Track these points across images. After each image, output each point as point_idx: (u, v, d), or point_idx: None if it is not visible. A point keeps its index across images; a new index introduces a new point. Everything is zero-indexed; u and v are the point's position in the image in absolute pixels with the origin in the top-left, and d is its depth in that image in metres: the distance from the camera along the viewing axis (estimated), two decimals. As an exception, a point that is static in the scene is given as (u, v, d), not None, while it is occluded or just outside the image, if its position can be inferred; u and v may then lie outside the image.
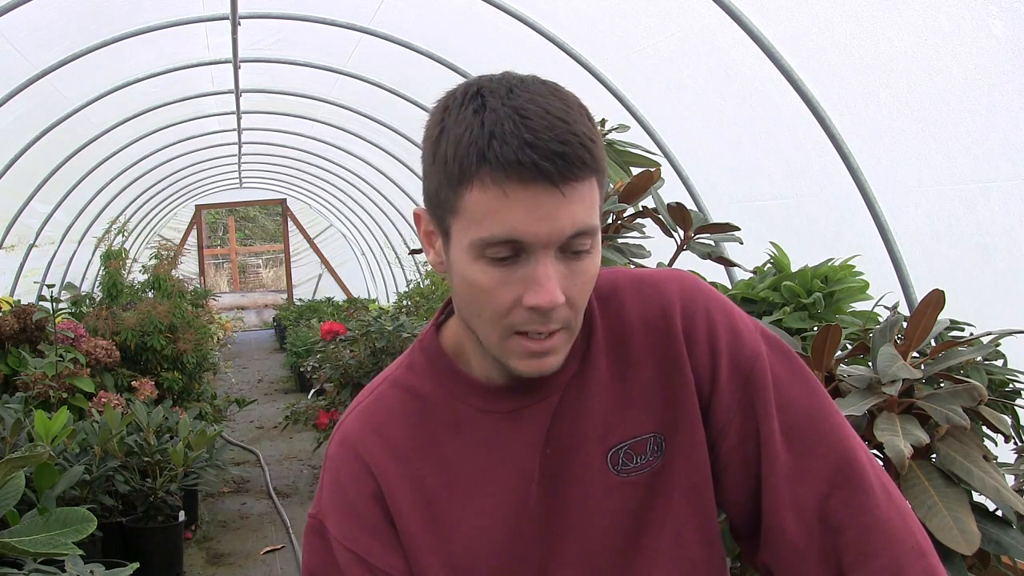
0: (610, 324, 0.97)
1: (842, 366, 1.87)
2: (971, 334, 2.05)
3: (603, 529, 0.95)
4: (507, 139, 0.79)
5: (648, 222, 1.91)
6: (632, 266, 1.92)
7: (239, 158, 11.45)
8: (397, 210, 10.72)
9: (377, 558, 0.95)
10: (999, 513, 1.71)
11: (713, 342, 0.95)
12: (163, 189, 11.74)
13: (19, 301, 5.98)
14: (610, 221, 1.87)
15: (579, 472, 0.95)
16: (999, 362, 2.03)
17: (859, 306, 2.68)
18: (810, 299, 2.59)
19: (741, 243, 2.15)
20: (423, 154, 0.87)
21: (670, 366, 0.95)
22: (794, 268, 2.76)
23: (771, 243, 2.89)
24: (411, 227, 10.47)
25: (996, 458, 1.74)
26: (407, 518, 0.95)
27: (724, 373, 0.95)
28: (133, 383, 5.18)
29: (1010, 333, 1.97)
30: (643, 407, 0.95)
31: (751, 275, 2.81)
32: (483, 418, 0.96)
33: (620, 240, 1.86)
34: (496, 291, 0.83)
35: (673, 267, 1.91)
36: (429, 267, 7.73)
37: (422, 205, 0.93)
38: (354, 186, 11.52)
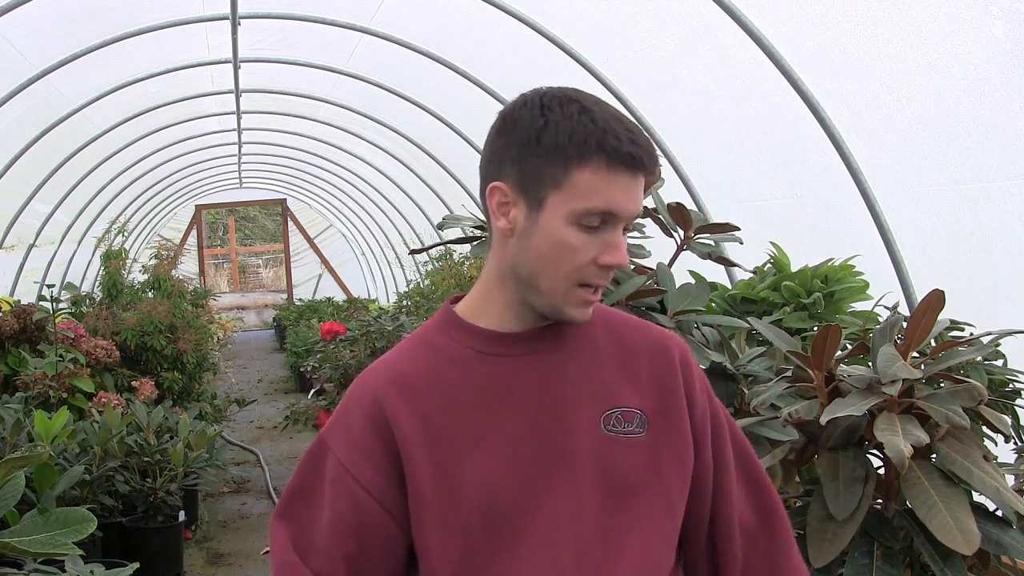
0: (611, 331, 1.18)
1: (842, 366, 1.87)
2: (971, 334, 2.05)
3: (591, 475, 1.10)
4: (620, 136, 1.04)
5: (648, 222, 1.91)
6: (632, 266, 1.92)
7: (239, 158, 11.45)
8: (397, 210, 10.72)
9: (364, 477, 1.10)
10: (999, 513, 1.71)
11: (703, 389, 1.19)
12: (163, 189, 11.74)
13: (19, 301, 5.98)
14: (610, 221, 1.87)
15: (573, 420, 1.12)
16: (999, 362, 2.03)
17: (859, 306, 2.68)
18: (810, 299, 2.59)
19: (741, 243, 2.15)
20: (517, 141, 1.07)
21: (666, 379, 1.16)
22: (794, 268, 2.76)
23: (771, 243, 2.89)
24: (411, 227, 10.47)
25: (996, 458, 1.74)
26: (411, 445, 1.09)
27: (707, 408, 1.19)
28: (133, 383, 5.18)
29: (1010, 333, 1.97)
30: (635, 389, 1.15)
31: (751, 275, 2.81)
32: (490, 361, 1.13)
33: (620, 240, 1.86)
34: (580, 250, 1.06)
35: (673, 267, 1.91)
36: (429, 267, 7.73)
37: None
38: (354, 186, 11.52)
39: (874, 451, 1.78)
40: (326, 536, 1.10)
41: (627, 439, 1.12)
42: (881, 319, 2.40)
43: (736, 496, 1.19)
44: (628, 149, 1.04)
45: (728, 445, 1.20)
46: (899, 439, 1.58)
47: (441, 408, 1.10)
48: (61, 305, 5.10)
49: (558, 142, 1.04)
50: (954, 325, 2.10)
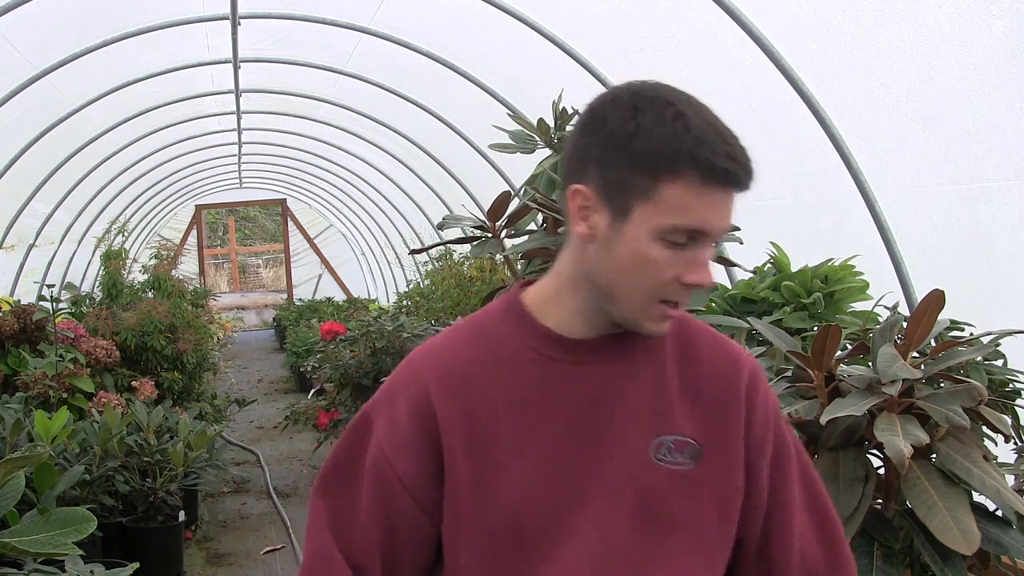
0: (681, 345, 1.12)
1: (842, 366, 1.87)
2: (971, 334, 2.04)
3: (628, 500, 1.06)
4: (715, 149, 0.96)
5: (648, 222, 1.91)
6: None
7: (239, 158, 11.44)
8: (397, 210, 10.72)
9: (401, 468, 1.07)
10: (999, 513, 1.71)
11: (769, 416, 1.13)
12: (163, 189, 11.74)
13: (19, 301, 5.98)
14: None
15: (621, 440, 1.06)
16: (999, 362, 2.03)
17: (859, 306, 2.67)
18: (810, 299, 2.59)
19: (741, 243, 2.15)
20: (604, 143, 1.00)
21: (727, 405, 1.10)
22: (794, 268, 2.76)
23: (771, 243, 2.89)
24: (411, 227, 10.47)
25: (996, 458, 1.74)
26: (453, 446, 1.06)
27: (768, 436, 1.12)
28: (133, 383, 5.18)
29: (1010, 333, 1.97)
30: (693, 415, 1.09)
31: (751, 275, 2.81)
32: (547, 365, 1.08)
33: (620, 240, 1.86)
34: (664, 266, 1.00)
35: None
36: (429, 267, 7.73)
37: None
38: (354, 186, 11.52)
39: (874, 451, 1.78)
40: (364, 523, 1.09)
41: (674, 470, 1.07)
42: (881, 319, 2.40)
43: (799, 531, 1.12)
44: (724, 164, 0.96)
45: (793, 477, 1.13)
46: (899, 439, 1.58)
47: (488, 408, 1.07)
48: (61, 305, 5.10)
49: (649, 151, 0.97)
50: (954, 325, 2.10)
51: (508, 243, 1.89)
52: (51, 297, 4.78)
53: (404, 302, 7.37)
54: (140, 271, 6.73)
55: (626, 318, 1.04)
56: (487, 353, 1.09)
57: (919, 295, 2.98)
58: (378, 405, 1.12)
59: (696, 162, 0.96)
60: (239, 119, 8.34)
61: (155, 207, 12.78)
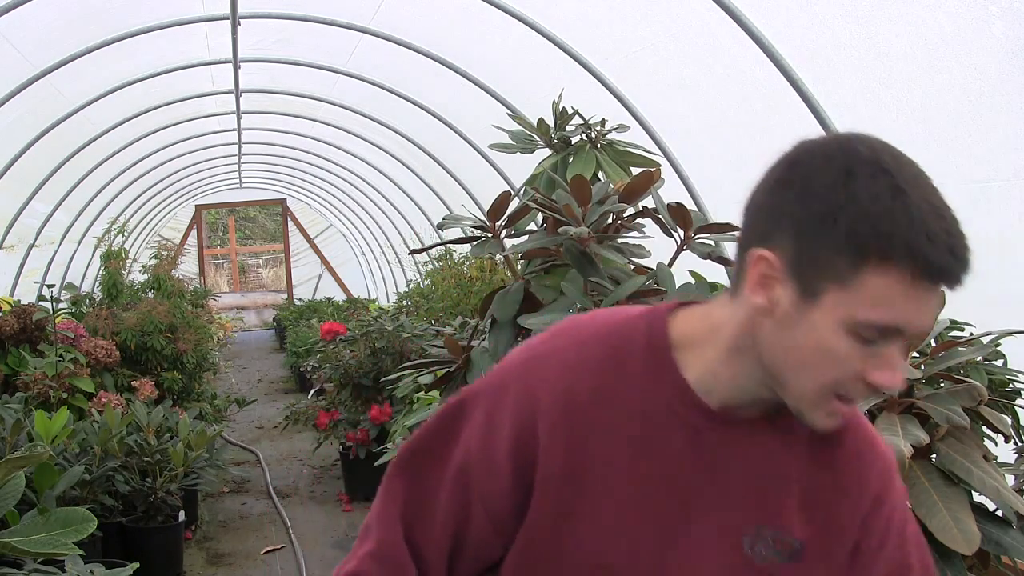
0: (824, 441, 1.00)
1: (842, 366, 1.86)
2: (971, 334, 2.04)
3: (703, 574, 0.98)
4: (937, 242, 0.82)
5: (648, 222, 1.91)
6: (632, 266, 1.92)
7: (239, 158, 11.44)
8: (397, 210, 10.71)
9: (485, 486, 1.00)
10: (999, 513, 1.71)
11: (886, 529, 1.02)
12: (163, 189, 11.73)
13: (19, 301, 5.97)
14: (610, 221, 1.87)
15: (717, 517, 0.98)
16: (999, 362, 2.03)
17: (859, 306, 2.67)
18: (810, 299, 2.59)
19: (741, 243, 2.15)
20: (804, 208, 0.86)
21: (846, 510, 1.00)
22: (794, 268, 2.76)
23: (771, 243, 2.89)
24: (411, 227, 10.45)
25: (996, 458, 1.74)
26: (547, 481, 0.98)
27: (883, 554, 1.02)
28: (133, 383, 5.18)
29: (1010, 333, 1.97)
30: (807, 514, 0.99)
31: (751, 275, 2.81)
32: (672, 419, 0.98)
33: (620, 240, 1.86)
34: (846, 362, 0.87)
35: (673, 267, 1.91)
36: (429, 267, 7.73)
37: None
38: (354, 186, 11.51)
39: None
40: (438, 523, 1.02)
41: (763, 565, 0.97)
42: (881, 319, 2.39)
43: None
44: (942, 261, 0.82)
45: None
46: (899, 439, 1.59)
47: (596, 448, 0.97)
48: (61, 305, 5.10)
49: (857, 231, 0.82)
50: (954, 325, 2.10)
51: (508, 243, 1.89)
52: (51, 297, 4.78)
53: (404, 302, 7.36)
54: (140, 271, 6.73)
55: (790, 405, 0.93)
56: (614, 388, 0.98)
57: (919, 295, 2.98)
58: (481, 396, 1.02)
59: (911, 254, 0.81)
60: (239, 119, 8.33)
61: (155, 207, 12.77)
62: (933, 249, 0.81)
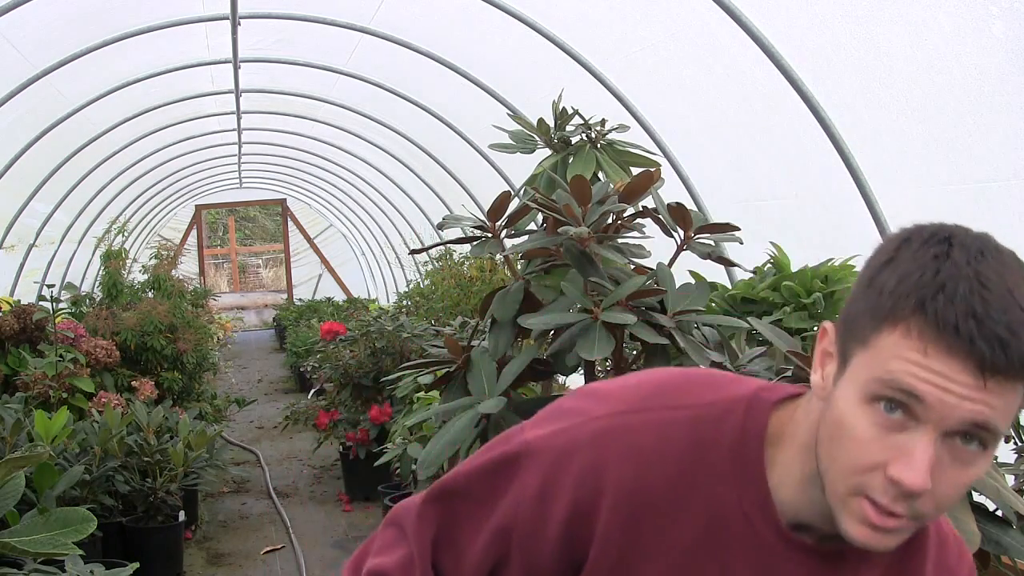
0: (914, 560, 0.92)
1: (842, 366, 1.86)
2: (971, 334, 2.04)
3: None
4: (955, 300, 0.72)
5: (648, 222, 1.91)
6: (632, 266, 1.92)
7: (239, 158, 11.45)
8: (397, 210, 10.71)
9: (524, 552, 0.93)
10: (999, 513, 1.71)
11: None
12: (163, 189, 11.74)
13: (19, 301, 5.98)
14: (610, 221, 1.87)
15: None
16: (999, 362, 2.03)
17: (859, 306, 2.67)
18: (810, 299, 2.59)
19: (741, 243, 2.15)
20: (861, 275, 0.81)
21: None
22: (794, 268, 2.76)
23: (771, 243, 2.89)
24: (411, 227, 10.46)
25: (996, 458, 1.74)
26: (597, 560, 0.90)
27: None
28: (133, 383, 5.18)
29: (1010, 333, 1.96)
30: None
31: (751, 275, 2.81)
32: (740, 525, 0.88)
33: (620, 240, 1.86)
34: (866, 445, 0.77)
35: (673, 267, 1.91)
36: (429, 267, 7.73)
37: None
38: (354, 186, 11.52)
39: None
40: (471, 564, 0.95)
41: None
42: (881, 319, 2.39)
43: None
44: (956, 321, 0.71)
45: None
46: (899, 439, 1.58)
47: (654, 542, 0.89)
48: (61, 305, 5.10)
49: (884, 286, 0.76)
50: (954, 325, 2.10)
51: (508, 243, 1.89)
52: (51, 297, 4.78)
53: (404, 302, 7.36)
54: (140, 271, 6.73)
55: (834, 512, 0.81)
56: (691, 485, 0.88)
57: (919, 295, 2.97)
58: (540, 457, 0.92)
59: (924, 309, 0.73)
60: (239, 119, 8.34)
61: (155, 207, 12.78)
62: (947, 307, 0.72)
